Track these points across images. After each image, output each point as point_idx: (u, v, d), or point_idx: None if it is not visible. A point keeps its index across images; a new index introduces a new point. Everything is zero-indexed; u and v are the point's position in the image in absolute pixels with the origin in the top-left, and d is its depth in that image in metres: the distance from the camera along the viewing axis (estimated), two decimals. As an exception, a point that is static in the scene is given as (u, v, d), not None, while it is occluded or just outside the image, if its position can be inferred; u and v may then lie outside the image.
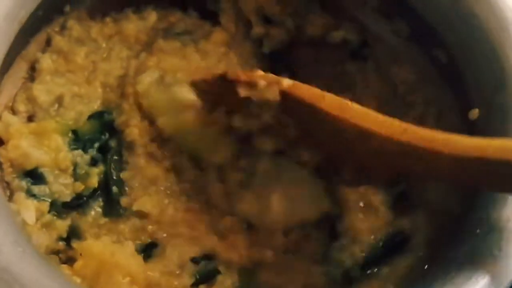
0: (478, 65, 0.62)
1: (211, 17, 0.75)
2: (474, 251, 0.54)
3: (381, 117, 0.57)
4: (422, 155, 0.54)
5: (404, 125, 0.56)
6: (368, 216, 0.65)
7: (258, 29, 0.74)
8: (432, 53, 0.68)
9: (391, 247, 0.65)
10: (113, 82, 0.70)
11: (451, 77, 0.67)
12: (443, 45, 0.66)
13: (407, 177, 0.64)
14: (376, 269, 0.64)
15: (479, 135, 0.61)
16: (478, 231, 0.55)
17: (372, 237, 0.65)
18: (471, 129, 0.63)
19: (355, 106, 0.58)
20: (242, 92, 0.61)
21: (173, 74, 0.70)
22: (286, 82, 0.60)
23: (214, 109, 0.67)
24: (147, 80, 0.69)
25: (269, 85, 0.60)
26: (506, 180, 0.52)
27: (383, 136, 0.56)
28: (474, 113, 0.63)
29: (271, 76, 0.61)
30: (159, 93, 0.69)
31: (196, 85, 0.68)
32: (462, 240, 0.56)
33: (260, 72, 0.62)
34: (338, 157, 0.64)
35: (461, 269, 0.54)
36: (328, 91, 0.59)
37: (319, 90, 0.60)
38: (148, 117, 0.68)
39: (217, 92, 0.65)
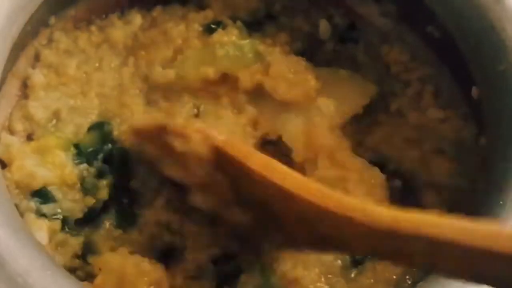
0: (475, 39, 0.63)
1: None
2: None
3: (302, 181, 0.55)
4: (339, 223, 0.51)
5: (325, 190, 0.53)
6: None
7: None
8: (424, 30, 0.69)
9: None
10: (108, 92, 0.69)
11: (446, 53, 0.68)
12: (435, 21, 0.67)
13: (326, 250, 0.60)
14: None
15: (480, 109, 0.64)
16: (501, 202, 0.56)
17: None
18: (472, 103, 0.65)
19: (280, 166, 0.56)
20: (177, 145, 0.60)
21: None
22: (219, 139, 0.59)
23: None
24: None
25: (202, 140, 0.59)
26: (420, 257, 0.48)
27: (303, 200, 0.53)
28: (475, 92, 0.64)
29: (206, 130, 0.59)
30: None
31: (136, 133, 0.67)
32: (484, 213, 0.57)
33: (197, 125, 0.60)
34: (265, 223, 0.60)
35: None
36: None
37: (250, 148, 0.59)
38: None
39: (157, 143, 0.63)
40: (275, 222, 0.57)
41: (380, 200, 0.66)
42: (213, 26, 0.73)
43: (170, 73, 0.69)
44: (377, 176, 0.66)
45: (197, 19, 0.73)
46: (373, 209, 0.50)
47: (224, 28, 0.72)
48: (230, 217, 0.61)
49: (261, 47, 0.71)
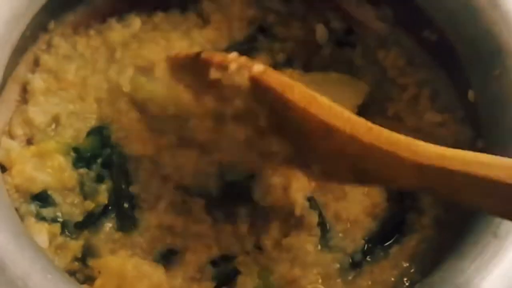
0: (472, 42, 0.63)
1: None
2: (497, 223, 0.56)
3: (347, 114, 0.54)
4: (384, 159, 0.52)
5: (370, 124, 0.53)
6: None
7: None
8: (421, 35, 0.69)
9: (392, 228, 0.67)
10: (105, 96, 0.70)
11: (443, 57, 0.68)
12: (432, 26, 0.67)
13: (369, 183, 0.61)
14: (384, 249, 0.66)
15: (477, 113, 0.64)
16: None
17: (369, 219, 0.67)
18: (469, 107, 0.66)
19: (322, 100, 0.55)
20: (213, 74, 0.59)
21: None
22: (257, 68, 0.57)
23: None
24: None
25: (240, 69, 0.58)
26: (471, 193, 0.49)
27: (346, 134, 0.53)
28: (471, 95, 0.64)
29: (244, 59, 0.59)
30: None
31: (171, 64, 0.67)
32: (480, 215, 0.58)
33: (234, 55, 0.59)
34: (304, 154, 0.60)
35: (487, 243, 0.55)
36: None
37: (290, 80, 0.58)
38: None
39: (190, 73, 0.64)
40: (314, 154, 0.57)
41: (378, 202, 0.67)
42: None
43: None
44: None
45: (194, 27, 0.73)
46: (419, 145, 0.50)
47: None
48: (266, 147, 0.60)
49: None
